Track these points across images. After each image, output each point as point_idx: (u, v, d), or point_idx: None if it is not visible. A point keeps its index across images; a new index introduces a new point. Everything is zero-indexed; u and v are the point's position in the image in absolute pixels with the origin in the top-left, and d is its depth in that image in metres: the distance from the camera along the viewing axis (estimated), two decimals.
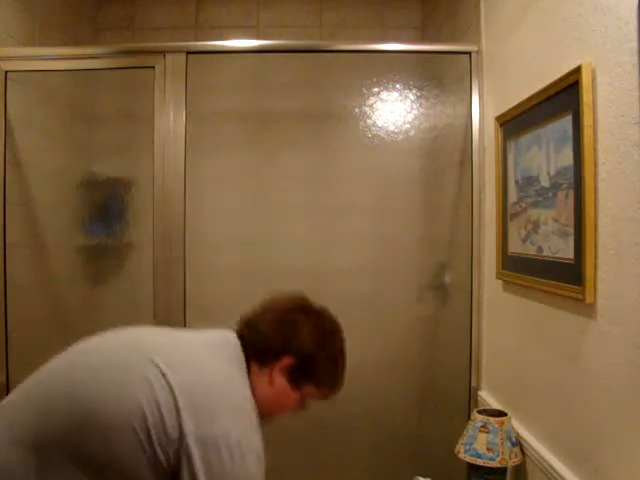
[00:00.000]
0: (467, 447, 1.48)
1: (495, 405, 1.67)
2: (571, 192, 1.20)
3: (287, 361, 1.14)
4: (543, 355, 1.39)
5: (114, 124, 2.36)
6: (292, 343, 1.15)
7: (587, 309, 1.15)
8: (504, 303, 1.66)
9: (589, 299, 1.12)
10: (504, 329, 1.67)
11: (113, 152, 2.29)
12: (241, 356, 1.12)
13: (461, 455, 1.49)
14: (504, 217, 1.61)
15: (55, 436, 0.95)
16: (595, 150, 1.12)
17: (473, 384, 1.87)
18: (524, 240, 1.46)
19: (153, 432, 0.94)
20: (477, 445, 1.47)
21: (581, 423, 1.20)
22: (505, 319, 1.66)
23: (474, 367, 1.86)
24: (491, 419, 1.48)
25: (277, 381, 1.15)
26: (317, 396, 1.22)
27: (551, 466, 1.29)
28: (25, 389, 1.04)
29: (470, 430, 1.51)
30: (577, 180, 1.17)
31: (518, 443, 1.47)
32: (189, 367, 1.04)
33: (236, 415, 1.01)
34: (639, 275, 0.98)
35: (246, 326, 1.18)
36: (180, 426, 0.95)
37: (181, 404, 0.96)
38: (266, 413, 1.17)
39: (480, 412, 1.54)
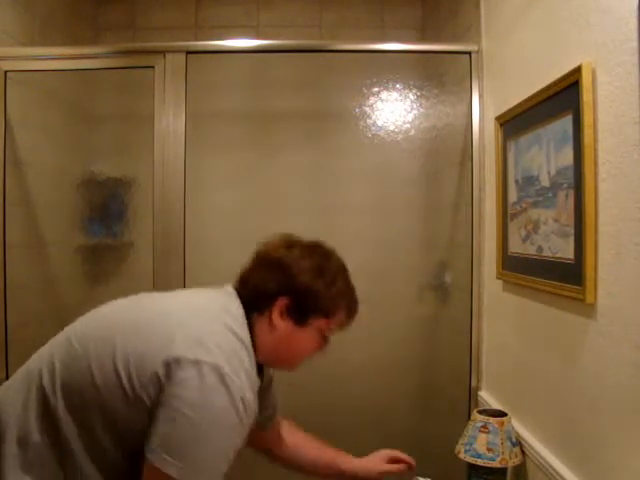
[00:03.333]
0: (467, 447, 1.48)
1: (495, 405, 1.67)
2: (571, 192, 1.20)
3: (282, 301, 1.10)
4: (543, 355, 1.39)
5: (114, 124, 2.35)
6: (285, 282, 1.10)
7: (587, 309, 1.15)
8: (504, 303, 1.66)
9: (589, 299, 1.12)
10: (504, 329, 1.67)
11: (113, 152, 2.28)
12: (235, 305, 1.09)
13: (461, 455, 1.49)
14: (504, 217, 1.61)
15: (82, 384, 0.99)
16: (595, 150, 1.12)
17: (473, 384, 1.87)
18: (524, 240, 1.46)
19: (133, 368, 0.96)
20: (477, 445, 1.46)
21: (581, 423, 1.19)
22: (505, 319, 1.66)
23: (474, 367, 1.86)
24: (491, 419, 1.48)
25: (279, 325, 1.10)
26: (334, 326, 1.16)
27: (551, 466, 1.29)
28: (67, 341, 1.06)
29: (470, 430, 1.51)
30: (577, 180, 1.17)
31: (518, 443, 1.47)
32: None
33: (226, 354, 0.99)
34: (639, 275, 0.98)
35: (240, 279, 1.15)
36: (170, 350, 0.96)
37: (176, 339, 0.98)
38: (280, 361, 1.16)
39: (480, 412, 1.54)
